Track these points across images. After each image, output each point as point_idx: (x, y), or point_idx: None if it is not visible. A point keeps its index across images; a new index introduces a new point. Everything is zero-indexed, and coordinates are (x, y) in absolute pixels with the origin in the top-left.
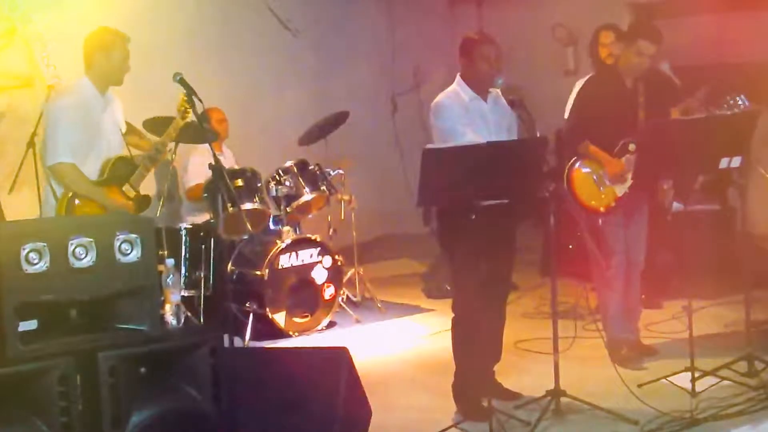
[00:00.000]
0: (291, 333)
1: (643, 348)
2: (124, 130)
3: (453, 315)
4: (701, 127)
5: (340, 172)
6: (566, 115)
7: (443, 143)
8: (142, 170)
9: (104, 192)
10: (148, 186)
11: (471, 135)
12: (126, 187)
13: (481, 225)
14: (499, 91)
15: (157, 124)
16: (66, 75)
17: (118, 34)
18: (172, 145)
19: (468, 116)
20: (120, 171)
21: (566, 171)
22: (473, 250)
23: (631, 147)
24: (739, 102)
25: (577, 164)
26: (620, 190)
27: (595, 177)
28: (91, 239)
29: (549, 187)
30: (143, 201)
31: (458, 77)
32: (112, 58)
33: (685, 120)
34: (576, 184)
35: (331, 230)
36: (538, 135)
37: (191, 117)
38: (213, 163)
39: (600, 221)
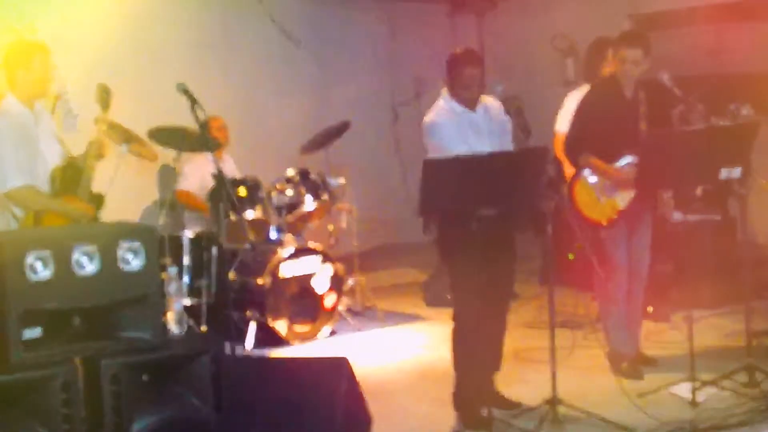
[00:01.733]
0: (292, 341)
1: (644, 359)
2: (58, 136)
3: (453, 324)
4: (701, 138)
5: (342, 181)
6: (557, 126)
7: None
8: (89, 172)
9: (64, 202)
10: (151, 193)
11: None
12: (81, 191)
13: (481, 235)
14: (494, 98)
15: (163, 134)
16: (71, 84)
17: (36, 46)
18: (175, 153)
19: (459, 129)
20: (69, 178)
21: (568, 183)
22: (472, 260)
23: (631, 159)
24: (744, 112)
25: (578, 176)
26: (622, 202)
27: (596, 189)
28: (95, 247)
29: (554, 198)
30: (97, 200)
31: (445, 92)
32: (32, 71)
33: (685, 131)
34: (578, 197)
35: (332, 239)
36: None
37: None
38: (215, 172)
39: (603, 234)
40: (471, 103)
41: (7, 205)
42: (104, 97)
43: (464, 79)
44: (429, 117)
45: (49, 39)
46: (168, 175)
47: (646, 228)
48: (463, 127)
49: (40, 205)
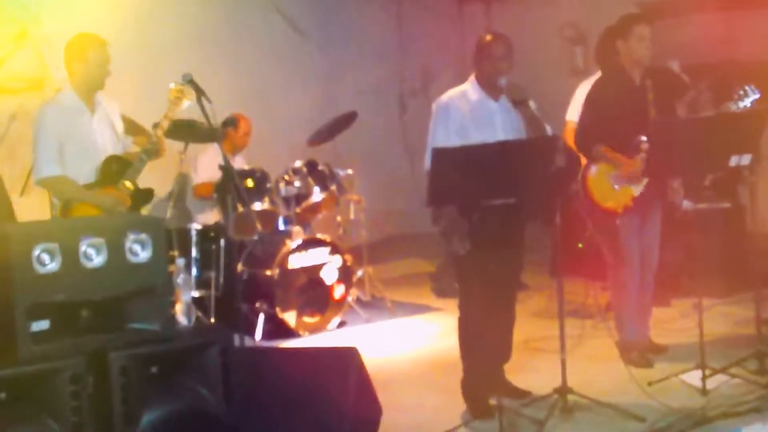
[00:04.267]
0: (301, 332)
1: (654, 347)
2: (120, 131)
3: (459, 314)
4: (710, 125)
5: (350, 172)
6: (568, 116)
7: (429, 141)
8: (138, 165)
9: (96, 193)
10: (159, 186)
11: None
12: (122, 184)
13: (488, 225)
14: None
15: (170, 126)
16: None
17: (94, 39)
18: (181, 146)
19: (463, 118)
20: (112, 169)
21: (581, 173)
22: (478, 250)
23: (644, 146)
24: (749, 91)
25: (591, 166)
26: (637, 189)
27: (610, 178)
28: (102, 239)
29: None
30: (144, 194)
31: (472, 76)
32: (89, 64)
33: (694, 118)
34: (591, 186)
35: (340, 230)
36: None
37: (187, 103)
38: (222, 163)
39: (618, 222)
40: (495, 91)
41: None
42: (177, 95)
43: (490, 53)
44: (441, 97)
45: (53, 32)
46: (176, 168)
47: (656, 216)
48: (477, 112)
49: (69, 194)
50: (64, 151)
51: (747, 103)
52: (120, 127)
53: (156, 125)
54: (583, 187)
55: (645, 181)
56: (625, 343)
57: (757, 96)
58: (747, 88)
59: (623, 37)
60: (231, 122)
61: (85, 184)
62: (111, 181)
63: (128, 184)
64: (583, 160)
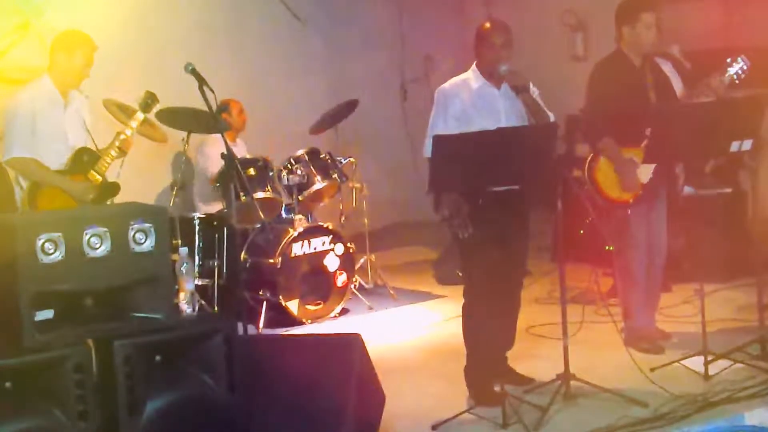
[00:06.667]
0: (304, 320)
1: (659, 334)
2: (89, 126)
3: (464, 300)
4: (711, 111)
5: (351, 160)
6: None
7: (429, 128)
8: (107, 158)
9: (66, 178)
10: (162, 176)
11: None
12: (91, 174)
13: (491, 211)
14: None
15: (171, 115)
16: None
17: (87, 40)
18: (184, 134)
19: (465, 105)
20: (83, 160)
21: (587, 165)
22: (483, 237)
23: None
24: (739, 61)
25: (599, 158)
26: (644, 177)
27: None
28: (106, 229)
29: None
30: (110, 188)
31: (474, 64)
32: (73, 61)
33: (695, 104)
34: (599, 179)
35: (342, 218)
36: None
37: (152, 111)
38: (225, 152)
39: (629, 212)
40: (497, 79)
41: (13, 174)
42: (148, 103)
43: (490, 41)
44: (443, 85)
45: (56, 22)
46: (179, 157)
47: (662, 203)
48: (479, 100)
49: (39, 176)
50: (35, 136)
51: (737, 70)
52: (89, 123)
53: (125, 124)
54: (590, 179)
55: (651, 167)
56: (632, 330)
57: (745, 65)
58: (739, 58)
59: (630, 23)
60: (223, 108)
61: (55, 170)
62: (80, 171)
63: (96, 175)
64: (582, 150)
